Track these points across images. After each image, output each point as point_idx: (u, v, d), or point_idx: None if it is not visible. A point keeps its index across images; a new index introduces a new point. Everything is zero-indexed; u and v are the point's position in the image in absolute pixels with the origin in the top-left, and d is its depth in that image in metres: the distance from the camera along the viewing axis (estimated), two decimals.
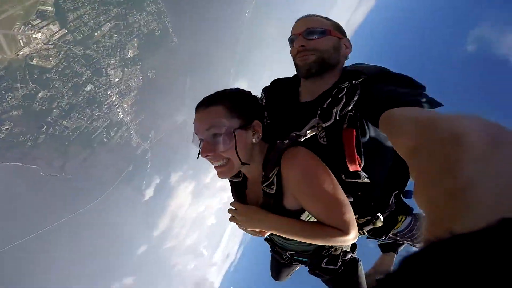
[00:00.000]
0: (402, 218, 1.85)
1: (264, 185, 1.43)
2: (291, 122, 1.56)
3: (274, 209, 1.45)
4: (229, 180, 1.69)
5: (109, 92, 52.67)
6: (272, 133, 1.51)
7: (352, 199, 1.46)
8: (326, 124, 1.43)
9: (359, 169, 1.40)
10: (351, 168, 1.39)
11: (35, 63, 42.74)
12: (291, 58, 1.66)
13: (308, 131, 1.46)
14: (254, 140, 1.43)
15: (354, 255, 1.81)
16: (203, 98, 1.46)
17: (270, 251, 2.03)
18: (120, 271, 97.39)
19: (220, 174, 1.44)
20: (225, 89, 1.50)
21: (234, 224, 1.57)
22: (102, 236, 79.78)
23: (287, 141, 1.42)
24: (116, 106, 56.07)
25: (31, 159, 50.90)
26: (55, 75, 44.24)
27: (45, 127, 48.39)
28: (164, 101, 70.65)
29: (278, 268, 2.16)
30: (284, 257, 1.88)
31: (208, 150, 1.36)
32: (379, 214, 1.68)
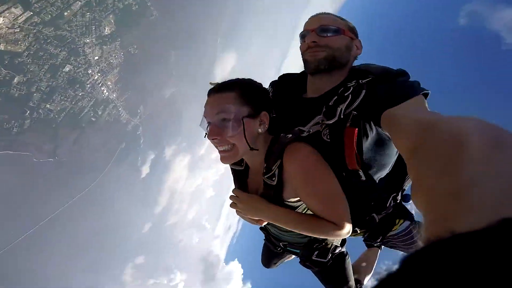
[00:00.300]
0: (400, 221, 1.82)
1: (265, 176, 1.47)
2: (296, 117, 1.57)
3: (273, 200, 1.49)
4: (231, 168, 1.70)
5: (90, 71, 51.48)
6: (277, 126, 1.53)
7: (350, 198, 1.45)
8: (330, 122, 1.43)
9: (358, 168, 1.40)
10: (350, 166, 1.40)
11: (3, 49, 41.20)
12: (300, 53, 1.65)
13: (312, 128, 1.48)
14: (260, 130, 1.45)
15: (343, 249, 1.84)
16: (216, 84, 1.50)
17: (264, 239, 2.07)
18: (130, 252, 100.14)
19: (223, 159, 1.46)
20: (238, 78, 1.52)
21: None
22: (106, 219, 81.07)
23: (291, 135, 1.43)
24: (100, 85, 55.08)
25: (20, 145, 50.58)
26: (28, 59, 42.81)
27: (28, 112, 47.65)
28: (150, 76, 69.37)
29: (268, 256, 2.24)
30: (277, 247, 1.93)
31: (215, 133, 1.38)
32: (374, 214, 1.69)
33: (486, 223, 0.28)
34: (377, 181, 1.52)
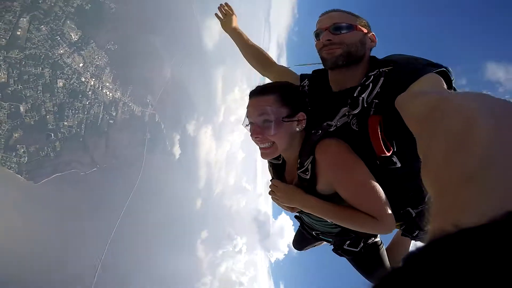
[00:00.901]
0: None
1: (299, 171, 1.57)
2: (324, 111, 1.66)
3: (308, 192, 1.58)
4: (270, 162, 1.83)
5: (83, 79, 52.91)
6: (311, 122, 1.60)
7: (387, 187, 1.48)
8: (355, 112, 1.51)
9: (387, 153, 1.42)
10: (378, 153, 1.42)
11: None
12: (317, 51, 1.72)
13: (340, 120, 1.56)
14: (297, 129, 1.56)
15: (377, 239, 1.93)
16: (257, 87, 1.64)
17: (299, 227, 2.19)
18: (194, 229, 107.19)
19: (264, 155, 1.59)
20: (277, 82, 1.72)
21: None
22: (163, 206, 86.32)
23: (320, 131, 1.53)
24: (100, 88, 56.90)
25: (63, 166, 54.63)
26: (18, 86, 42.85)
27: (52, 135, 50.40)
28: (142, 64, 70.62)
29: (301, 242, 2.40)
30: (311, 235, 2.06)
31: (257, 132, 1.51)
32: (409, 208, 1.70)
33: (493, 216, 0.27)
34: (414, 169, 1.46)
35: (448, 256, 0.24)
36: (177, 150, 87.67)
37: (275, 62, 2.31)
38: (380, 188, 1.44)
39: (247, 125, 1.61)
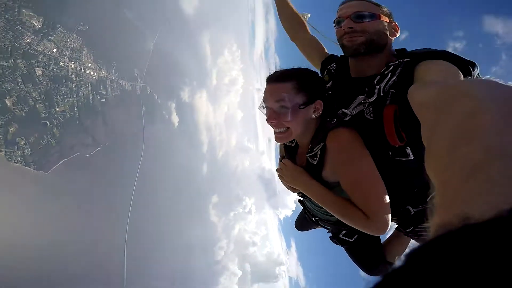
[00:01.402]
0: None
1: (308, 155, 1.61)
2: (341, 97, 1.70)
3: (313, 177, 1.62)
4: (284, 144, 1.85)
5: (62, 64, 52.71)
6: (326, 109, 1.61)
7: (395, 179, 1.50)
8: (370, 100, 1.51)
9: (401, 144, 1.41)
10: (392, 143, 1.42)
11: None
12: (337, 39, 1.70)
13: (355, 109, 1.58)
14: (313, 116, 1.58)
15: None
16: (275, 72, 1.66)
17: (302, 210, 2.19)
18: (204, 195, 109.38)
19: (278, 139, 1.61)
20: (296, 68, 1.68)
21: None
22: (171, 176, 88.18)
23: (335, 120, 1.56)
24: (82, 70, 57.08)
25: (67, 151, 56.21)
26: None
27: (48, 122, 51.36)
28: (120, 40, 69.82)
29: (302, 223, 2.40)
30: (311, 219, 2.08)
31: (273, 118, 1.54)
32: (409, 207, 1.70)
33: (501, 210, 0.26)
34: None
35: (453, 253, 0.23)
36: (175, 118, 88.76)
37: (308, 30, 2.30)
38: (384, 187, 1.42)
39: (263, 108, 1.63)
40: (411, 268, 0.24)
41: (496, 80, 0.57)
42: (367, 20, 1.60)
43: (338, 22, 1.68)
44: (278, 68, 1.72)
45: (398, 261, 0.26)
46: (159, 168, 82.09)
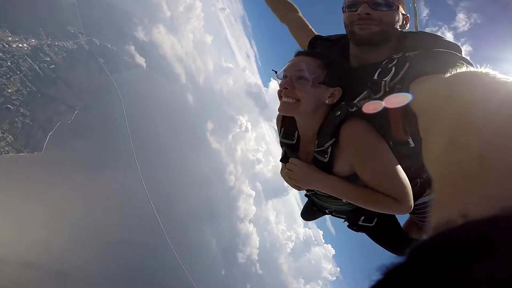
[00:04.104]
0: (428, 192, 1.74)
1: (316, 151, 1.49)
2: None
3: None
4: (282, 142, 1.71)
5: None
6: (340, 100, 1.51)
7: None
8: (377, 97, 1.42)
9: (405, 138, 1.39)
10: (398, 138, 1.39)
11: None
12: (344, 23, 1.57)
13: (361, 102, 1.46)
14: (327, 101, 1.45)
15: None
16: (307, 49, 1.68)
17: (308, 202, 2.09)
18: (199, 124, 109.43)
19: (283, 109, 1.47)
20: (329, 52, 1.64)
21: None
22: (160, 112, 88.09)
23: (339, 112, 1.42)
24: (7, 46, 54.99)
25: (48, 124, 56.39)
26: None
27: (10, 106, 51.23)
28: (28, 5, 64.58)
29: (309, 214, 2.25)
30: (322, 212, 2.02)
31: (287, 84, 1.42)
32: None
33: (503, 206, 0.25)
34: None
35: (453, 253, 0.23)
36: (140, 60, 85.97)
37: (297, 10, 2.18)
38: (402, 169, 1.38)
39: (280, 79, 1.48)
40: (410, 268, 0.24)
41: (492, 71, 0.57)
42: (386, 9, 1.47)
43: (351, 5, 1.51)
44: None
45: (398, 259, 0.25)
46: (145, 111, 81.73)
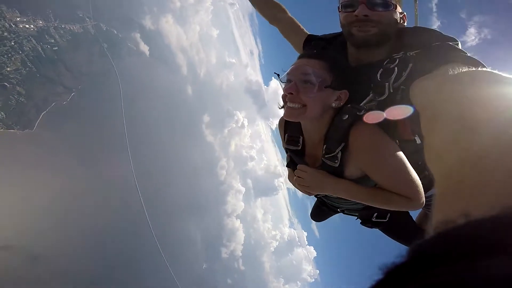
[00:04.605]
0: None
1: (326, 156, 1.46)
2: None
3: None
4: (287, 149, 1.69)
5: None
6: (347, 103, 1.49)
7: None
8: (382, 99, 1.41)
9: (412, 138, 1.40)
10: (406, 138, 1.41)
11: None
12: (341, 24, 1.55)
13: (366, 106, 1.43)
14: (333, 105, 1.43)
15: None
16: (311, 50, 1.64)
17: (318, 203, 2.10)
18: (195, 116, 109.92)
19: (288, 115, 1.44)
20: (333, 52, 1.61)
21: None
22: (159, 101, 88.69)
23: (347, 116, 1.40)
24: (14, 26, 55.60)
25: (43, 104, 56.99)
26: None
27: (6, 84, 51.96)
28: None
29: (319, 214, 2.25)
30: (333, 212, 2.04)
31: (293, 89, 1.38)
32: None
33: (506, 205, 0.25)
34: None
35: (456, 252, 0.22)
36: (144, 47, 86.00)
37: (285, 10, 2.12)
38: (411, 168, 1.37)
39: (283, 82, 1.47)
40: (411, 268, 0.24)
41: (493, 70, 0.56)
42: (383, 9, 1.45)
43: (348, 6, 1.49)
44: None
45: (399, 258, 0.25)
46: (143, 99, 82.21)
